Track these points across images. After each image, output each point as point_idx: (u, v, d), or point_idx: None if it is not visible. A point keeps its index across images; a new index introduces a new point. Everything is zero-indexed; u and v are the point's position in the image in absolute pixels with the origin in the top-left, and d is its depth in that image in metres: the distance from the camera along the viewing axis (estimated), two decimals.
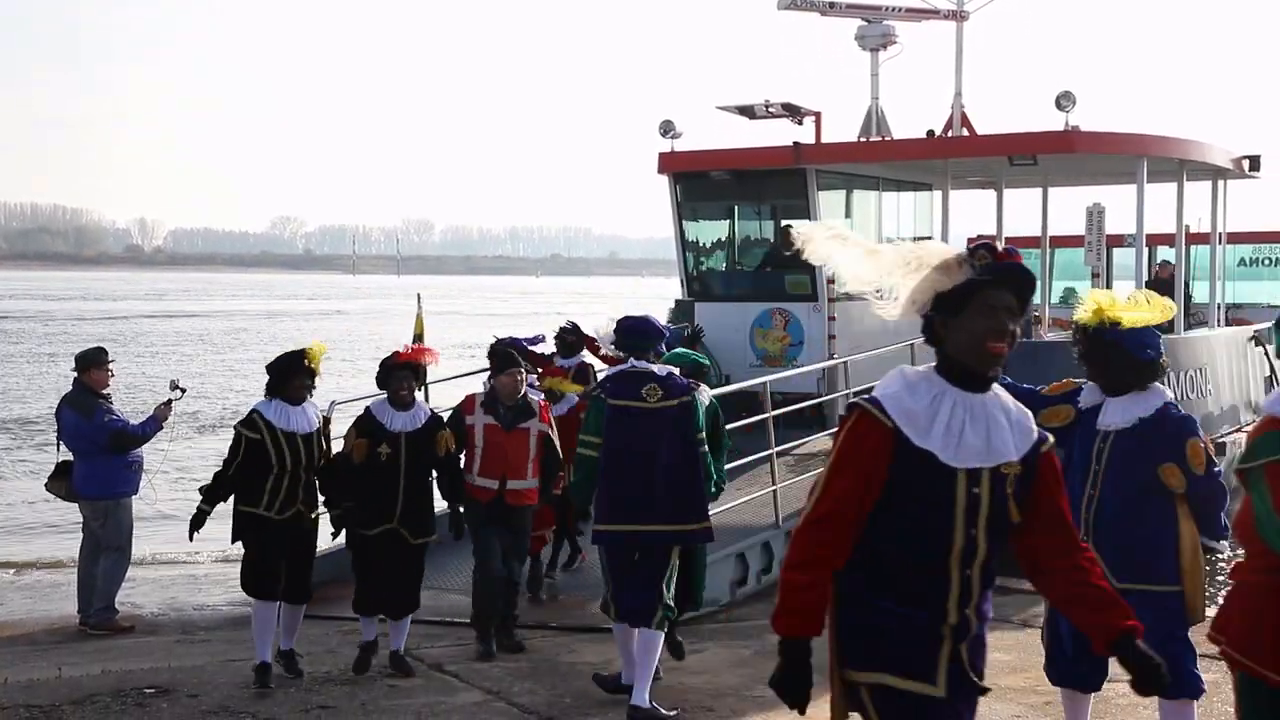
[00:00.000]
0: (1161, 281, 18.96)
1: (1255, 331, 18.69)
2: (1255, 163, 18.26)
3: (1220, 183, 18.68)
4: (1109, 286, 18.02)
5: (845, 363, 13.93)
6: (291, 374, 8.31)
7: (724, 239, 17.69)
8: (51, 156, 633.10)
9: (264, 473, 8.22)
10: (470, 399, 9.13)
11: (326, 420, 8.68)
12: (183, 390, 10.57)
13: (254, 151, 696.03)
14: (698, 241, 17.50)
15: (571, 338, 12.85)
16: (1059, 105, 15.07)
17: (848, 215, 17.42)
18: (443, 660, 8.83)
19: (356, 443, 8.40)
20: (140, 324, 70.99)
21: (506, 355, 9.08)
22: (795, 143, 16.33)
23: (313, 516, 8.51)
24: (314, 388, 8.48)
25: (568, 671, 8.61)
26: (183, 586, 12.75)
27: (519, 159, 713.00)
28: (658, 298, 37.54)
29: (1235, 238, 21.03)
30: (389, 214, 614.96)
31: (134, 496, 10.81)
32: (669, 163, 16.87)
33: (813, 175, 16.12)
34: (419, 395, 8.99)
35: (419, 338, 12.90)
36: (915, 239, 18.71)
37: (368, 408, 8.60)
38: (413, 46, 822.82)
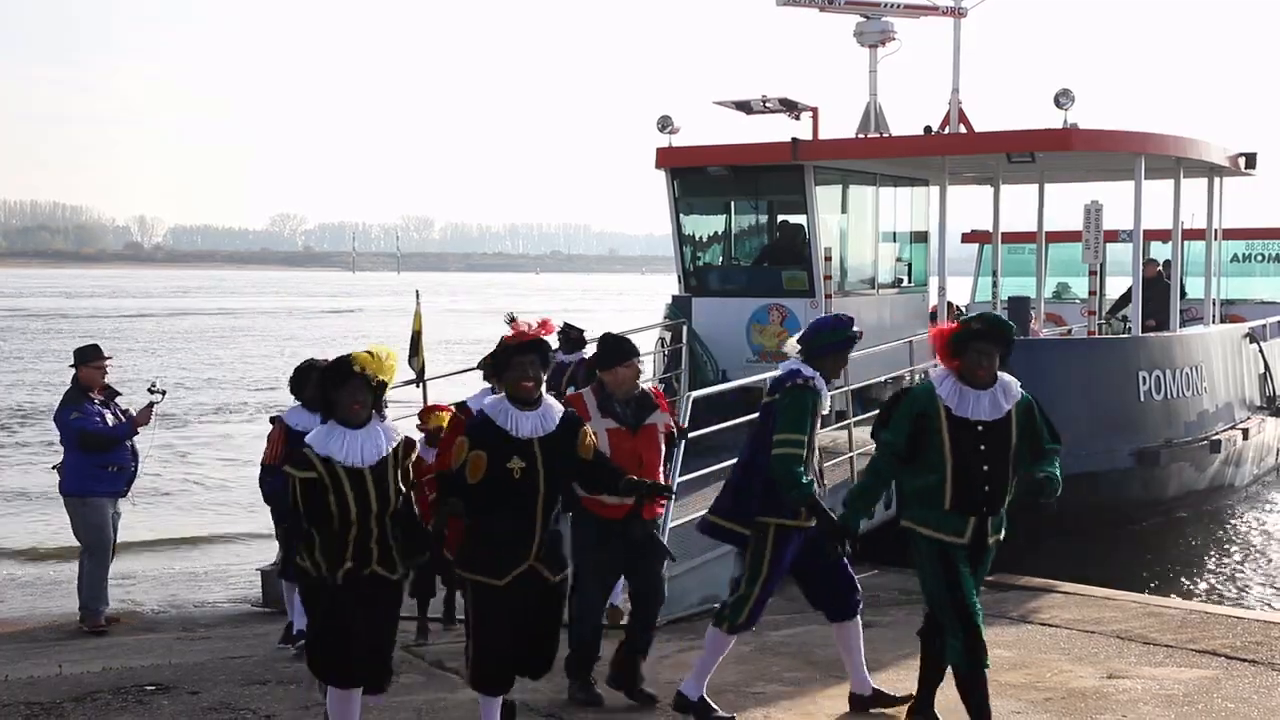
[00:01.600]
0: (1147, 281, 18.85)
1: (1250, 329, 18.72)
2: (1251, 160, 18.31)
3: (1216, 180, 18.72)
4: (1103, 282, 18.07)
5: None
6: (333, 388, 6.10)
7: (721, 234, 17.71)
8: (51, 154, 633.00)
9: (322, 523, 6.05)
10: (579, 400, 7.49)
11: (409, 443, 6.30)
12: (163, 393, 10.56)
13: (254, 149, 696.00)
14: (695, 237, 17.52)
15: (575, 333, 12.88)
16: (1058, 103, 15.09)
17: (844, 211, 17.45)
18: (443, 657, 8.81)
19: (473, 457, 6.29)
20: (165, 322, 71.01)
21: (622, 344, 7.67)
22: (793, 138, 16.34)
23: (395, 578, 6.21)
24: (382, 405, 6.31)
25: None
26: (183, 584, 12.79)
27: (518, 156, 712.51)
28: (656, 294, 37.52)
29: (1228, 234, 21.07)
30: (389, 211, 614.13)
31: (119, 499, 10.71)
32: (667, 158, 16.88)
33: (810, 171, 16.14)
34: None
35: (417, 335, 12.89)
36: (912, 235, 18.86)
37: (480, 411, 6.59)
38: (411, 44, 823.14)
